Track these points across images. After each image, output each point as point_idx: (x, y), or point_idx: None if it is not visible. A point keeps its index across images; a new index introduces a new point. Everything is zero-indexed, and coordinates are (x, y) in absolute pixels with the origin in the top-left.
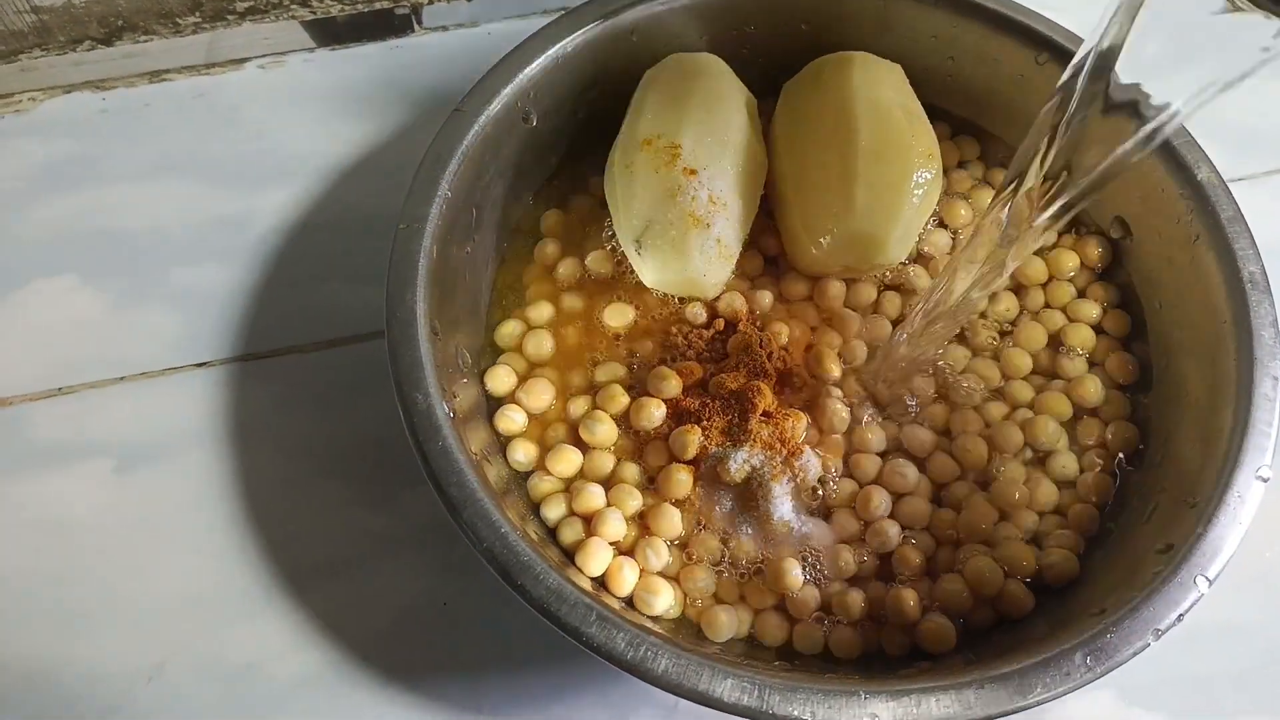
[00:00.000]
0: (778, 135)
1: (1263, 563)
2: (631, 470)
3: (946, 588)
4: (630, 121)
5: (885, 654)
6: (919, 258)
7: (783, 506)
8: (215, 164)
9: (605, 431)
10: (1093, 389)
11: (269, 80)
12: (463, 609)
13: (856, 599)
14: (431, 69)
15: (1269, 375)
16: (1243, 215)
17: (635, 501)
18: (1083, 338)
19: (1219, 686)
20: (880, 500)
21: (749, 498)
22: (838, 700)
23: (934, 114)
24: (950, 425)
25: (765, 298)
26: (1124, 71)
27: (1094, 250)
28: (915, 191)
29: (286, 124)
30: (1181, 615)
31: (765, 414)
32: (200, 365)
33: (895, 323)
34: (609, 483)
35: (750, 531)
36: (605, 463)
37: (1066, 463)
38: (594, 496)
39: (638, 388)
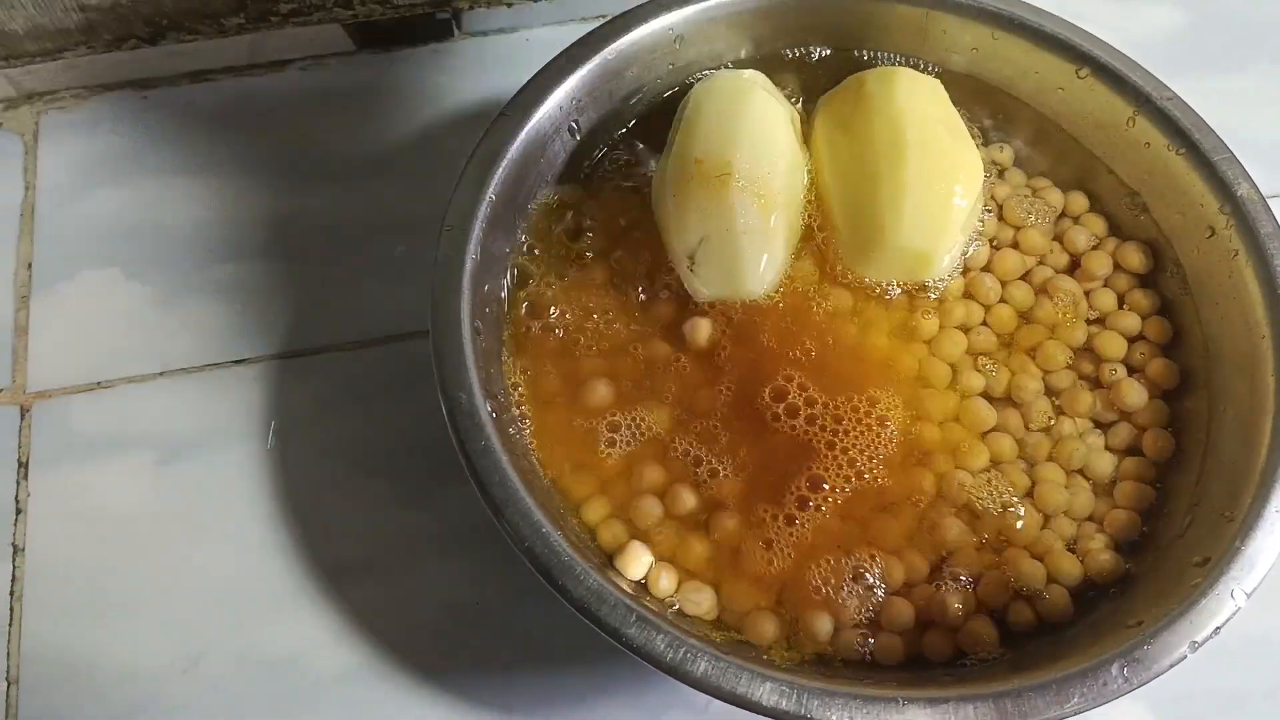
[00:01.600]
0: (819, 148)
1: None
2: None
3: (988, 591)
4: (682, 141)
5: (925, 658)
6: (964, 269)
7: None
8: (256, 163)
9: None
10: (1133, 394)
11: (310, 82)
12: (496, 609)
13: (906, 608)
14: (471, 74)
15: None
16: None
17: (687, 504)
18: (1118, 346)
19: (1251, 701)
20: None
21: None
22: (875, 706)
23: (971, 125)
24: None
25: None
26: None
27: (1135, 257)
28: (962, 207)
29: (327, 125)
30: (1219, 628)
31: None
32: (239, 361)
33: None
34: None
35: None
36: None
37: (1105, 468)
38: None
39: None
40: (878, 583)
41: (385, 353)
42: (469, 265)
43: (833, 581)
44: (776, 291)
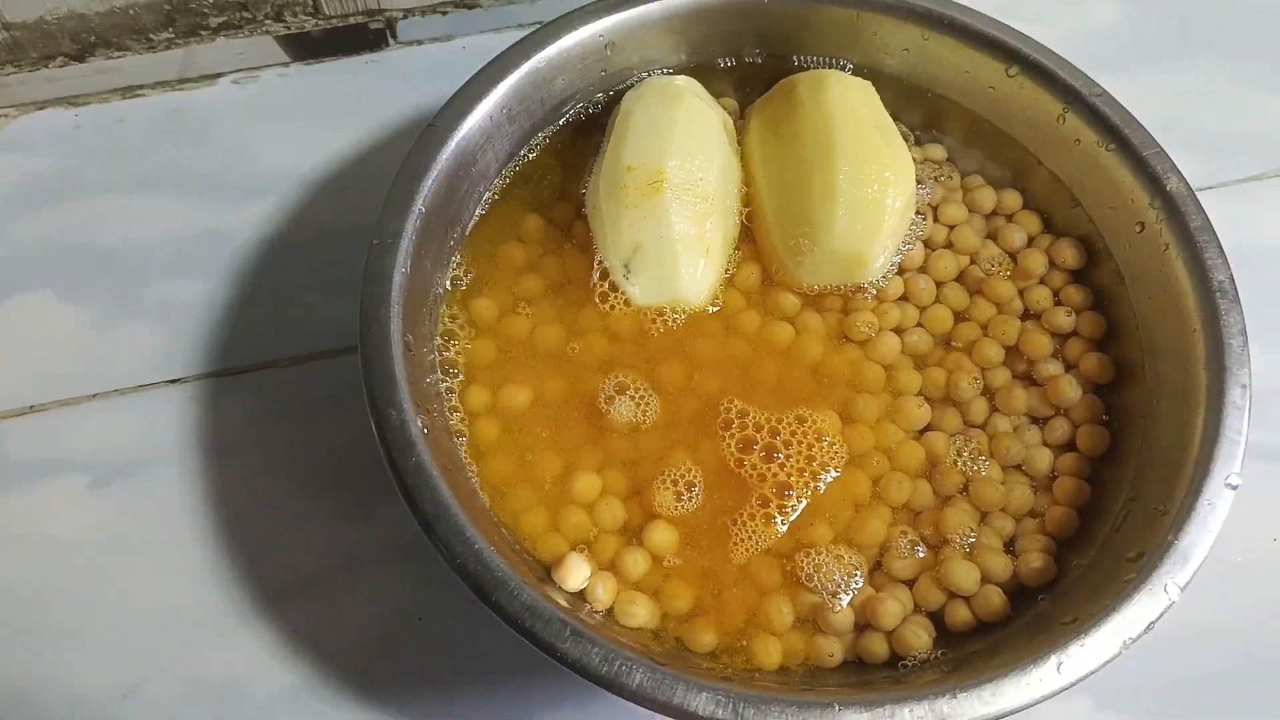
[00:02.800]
0: (752, 153)
1: (1234, 568)
2: (617, 481)
3: (924, 592)
4: (613, 148)
5: (861, 661)
6: (898, 272)
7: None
8: (190, 179)
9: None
10: (1068, 390)
11: (243, 95)
12: (439, 623)
13: (844, 612)
14: (406, 83)
15: (1238, 383)
16: (1211, 225)
17: (618, 514)
18: (1050, 344)
19: (1191, 691)
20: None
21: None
22: (812, 712)
23: (902, 126)
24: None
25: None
26: None
27: (1069, 253)
28: (895, 208)
29: (261, 139)
30: (1152, 624)
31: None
32: (173, 381)
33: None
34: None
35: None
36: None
37: (1042, 464)
38: (574, 511)
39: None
40: (817, 587)
41: (323, 368)
42: (398, 279)
43: (771, 587)
44: (713, 298)
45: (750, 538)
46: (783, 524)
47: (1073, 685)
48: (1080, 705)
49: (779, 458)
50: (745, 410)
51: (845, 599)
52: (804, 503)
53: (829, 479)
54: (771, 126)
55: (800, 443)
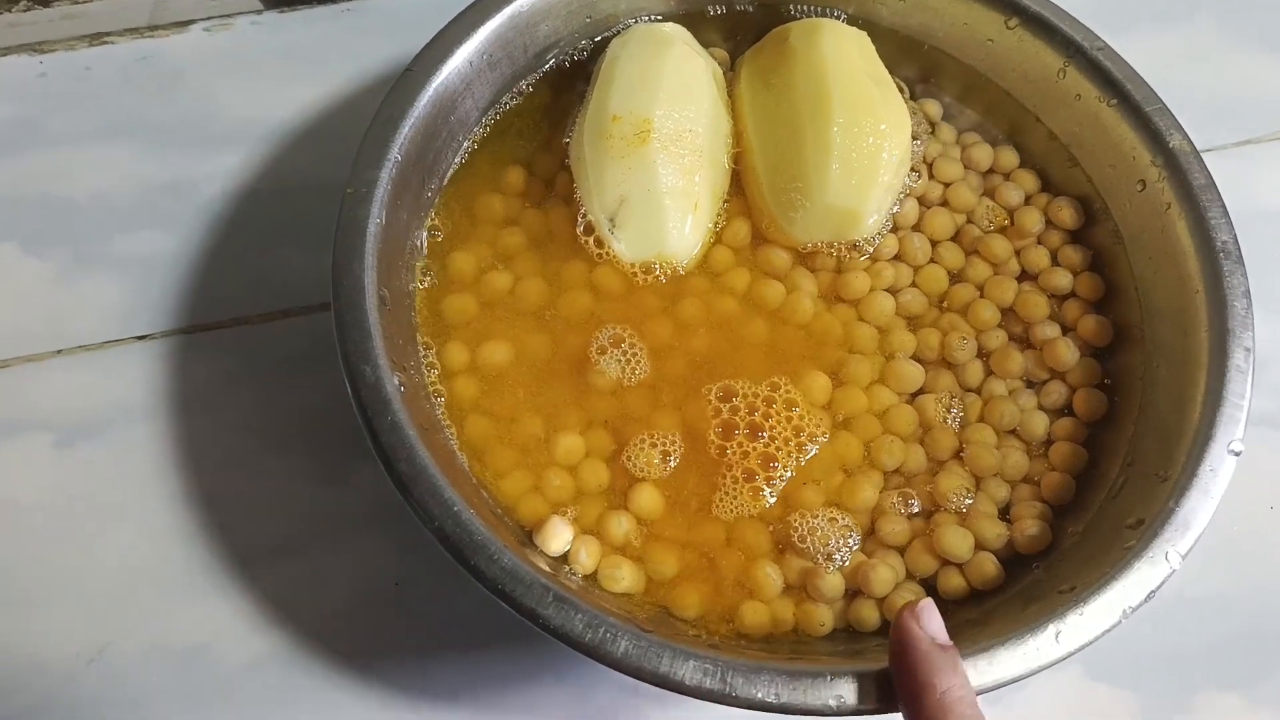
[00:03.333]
0: (742, 105)
1: (1231, 536)
2: (601, 442)
3: (916, 558)
4: (599, 97)
5: (852, 629)
6: (892, 229)
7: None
8: (160, 129)
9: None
10: (1065, 353)
11: (215, 43)
12: (416, 589)
13: (834, 578)
14: (385, 33)
15: (1241, 346)
16: (1214, 184)
17: (601, 477)
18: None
19: (1185, 661)
20: None
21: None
22: (802, 682)
23: (897, 79)
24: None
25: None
26: None
27: (1066, 213)
28: (890, 163)
29: (233, 88)
30: (1152, 593)
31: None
32: (141, 338)
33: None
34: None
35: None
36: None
37: (1038, 429)
38: (557, 473)
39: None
40: (808, 551)
41: (296, 324)
42: (373, 230)
43: (760, 551)
44: (702, 253)
45: (737, 500)
46: (771, 494)
47: (1071, 655)
48: (1072, 674)
49: (767, 422)
50: (733, 371)
51: (835, 564)
52: (791, 471)
53: (819, 444)
54: (763, 77)
55: (788, 408)
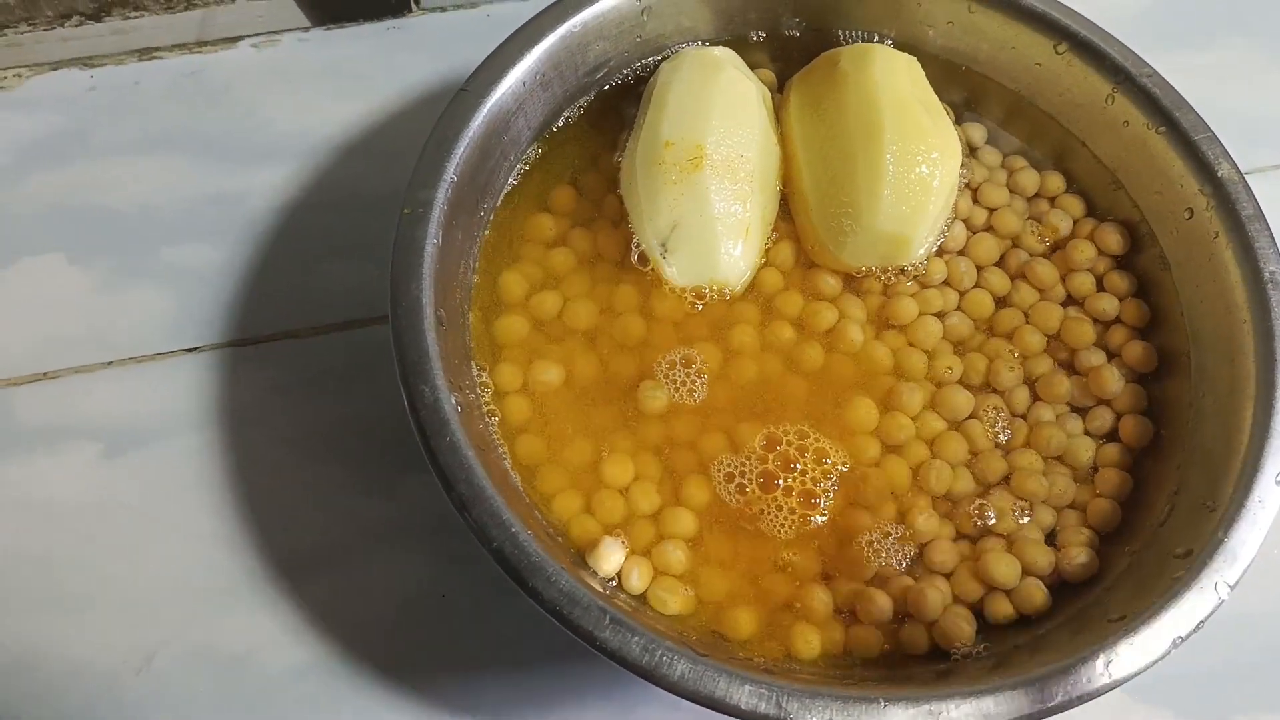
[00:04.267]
0: (791, 129)
1: (1276, 559)
2: (651, 465)
3: (963, 584)
4: (651, 122)
5: (904, 652)
6: (939, 252)
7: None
8: (207, 142)
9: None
10: (1110, 380)
11: (263, 59)
12: (462, 601)
13: (884, 601)
14: (429, 50)
15: None
16: (1263, 214)
17: (653, 499)
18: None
19: (1226, 681)
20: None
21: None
22: (856, 707)
23: (944, 103)
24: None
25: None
26: None
27: (1113, 238)
28: (941, 190)
29: (280, 103)
30: (1201, 623)
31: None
32: (190, 350)
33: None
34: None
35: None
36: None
37: (1084, 455)
38: (609, 494)
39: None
40: (859, 573)
41: (342, 338)
42: (430, 250)
43: (810, 574)
44: (750, 277)
45: (786, 523)
46: (820, 517)
47: (1120, 684)
48: (1112, 696)
49: (817, 445)
50: (783, 396)
51: (884, 586)
52: (836, 495)
53: (868, 469)
54: (813, 101)
55: (838, 434)
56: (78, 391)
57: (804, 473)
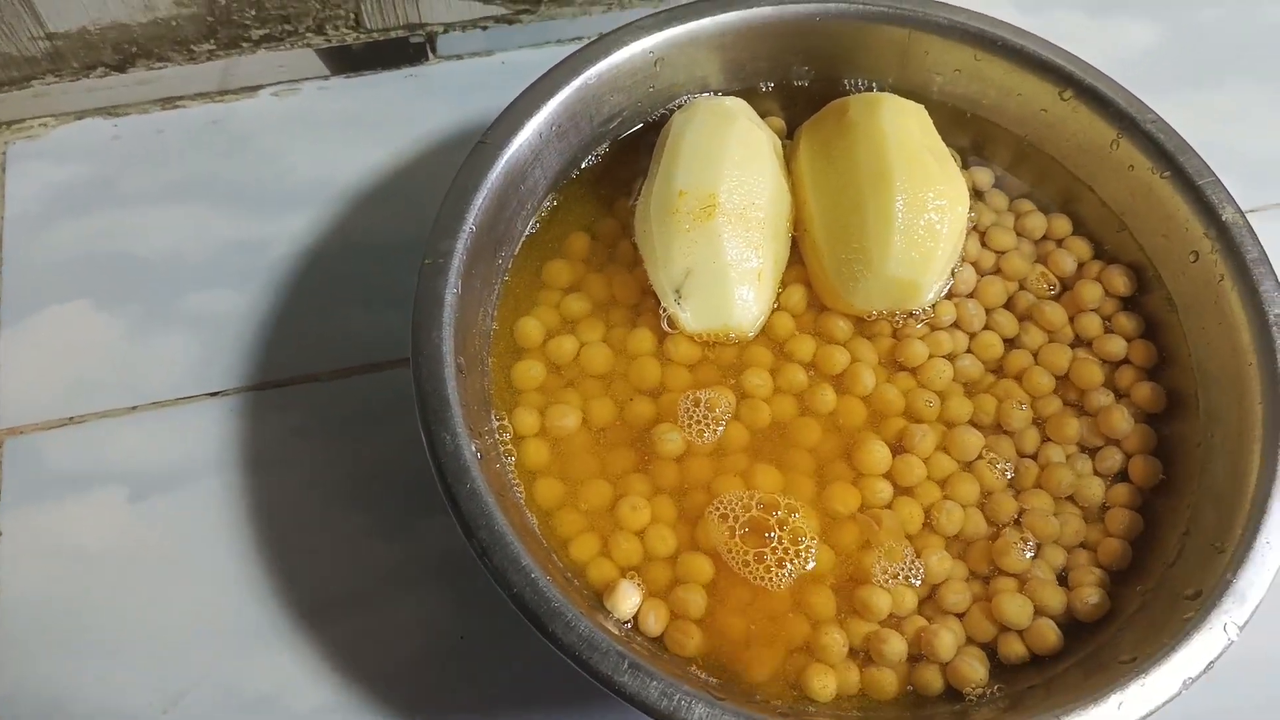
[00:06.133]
0: (802, 177)
1: None
2: (666, 508)
3: (975, 624)
4: (664, 171)
5: (919, 693)
6: (948, 295)
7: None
8: (229, 190)
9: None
10: (1120, 421)
11: (283, 108)
12: (481, 642)
13: (897, 641)
14: (446, 97)
15: None
16: (1267, 257)
17: (669, 542)
18: (1101, 373)
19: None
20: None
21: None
22: None
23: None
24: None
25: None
26: None
27: (1120, 280)
28: (950, 236)
29: (301, 151)
30: (1211, 664)
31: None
32: (214, 394)
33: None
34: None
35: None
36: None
37: (1094, 495)
38: (625, 537)
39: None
40: (872, 614)
41: (362, 382)
42: (449, 300)
43: (824, 615)
44: (763, 323)
45: (799, 564)
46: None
47: None
48: None
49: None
50: (798, 439)
51: (898, 628)
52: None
53: (881, 510)
54: (823, 149)
55: (851, 476)
56: (104, 436)
57: (817, 514)
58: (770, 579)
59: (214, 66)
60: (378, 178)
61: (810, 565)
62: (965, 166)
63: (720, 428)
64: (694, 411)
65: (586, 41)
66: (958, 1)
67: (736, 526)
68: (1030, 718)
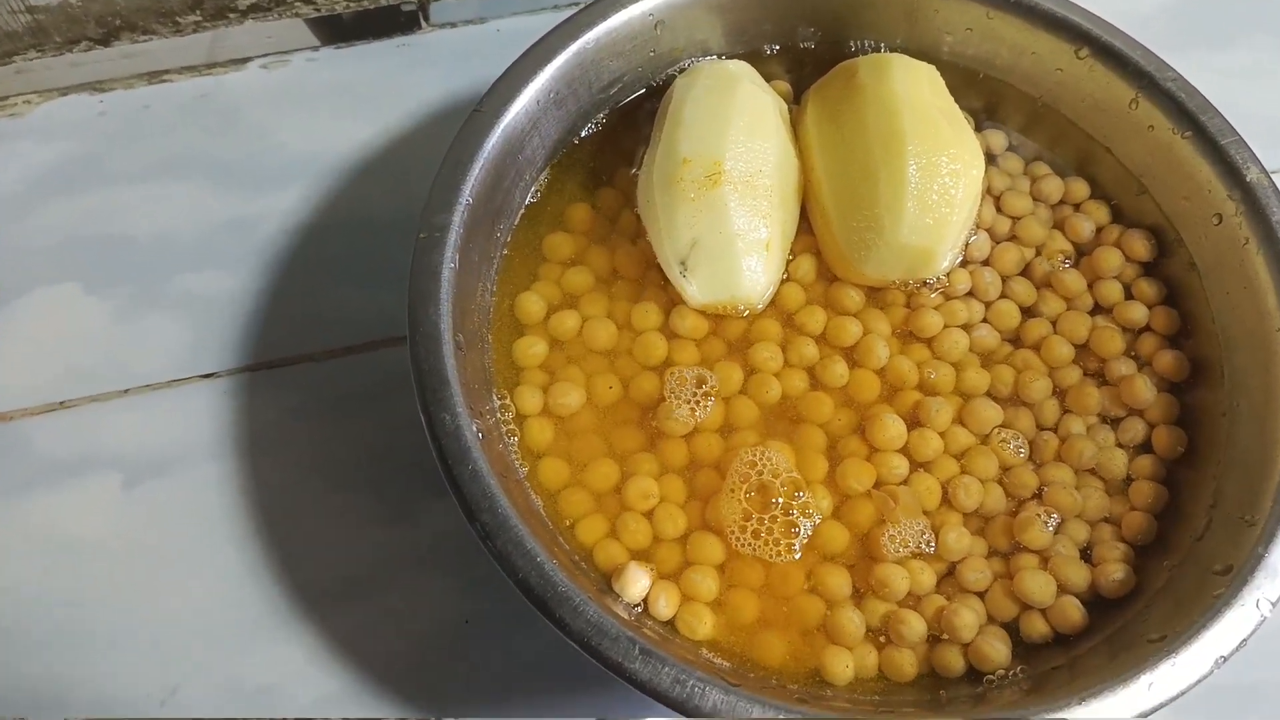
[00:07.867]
0: (809, 142)
1: None
2: (675, 488)
3: (997, 603)
4: (667, 138)
5: (939, 674)
6: (963, 262)
7: None
8: (219, 166)
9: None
10: (1142, 390)
11: (273, 80)
12: (487, 627)
13: (916, 621)
14: (440, 67)
15: None
16: None
17: (678, 522)
18: (1122, 341)
19: (1267, 701)
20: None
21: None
22: None
23: (964, 111)
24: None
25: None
26: None
27: (1140, 245)
28: (964, 202)
29: (291, 124)
30: (1244, 641)
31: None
32: (207, 376)
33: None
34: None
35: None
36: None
37: (1117, 467)
38: (633, 518)
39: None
40: (888, 594)
41: (360, 361)
42: (446, 275)
43: (840, 595)
44: (772, 294)
45: (814, 543)
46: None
47: (1164, 705)
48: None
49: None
50: (809, 413)
51: (917, 607)
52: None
53: (896, 485)
54: (831, 113)
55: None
56: (96, 422)
57: (830, 491)
58: (783, 558)
59: (201, 39)
60: (371, 150)
61: (824, 543)
62: (978, 129)
63: (728, 404)
64: (702, 387)
65: (584, 5)
66: None
67: (748, 506)
68: (1054, 700)
